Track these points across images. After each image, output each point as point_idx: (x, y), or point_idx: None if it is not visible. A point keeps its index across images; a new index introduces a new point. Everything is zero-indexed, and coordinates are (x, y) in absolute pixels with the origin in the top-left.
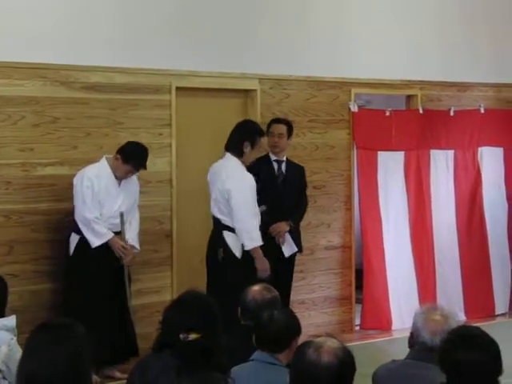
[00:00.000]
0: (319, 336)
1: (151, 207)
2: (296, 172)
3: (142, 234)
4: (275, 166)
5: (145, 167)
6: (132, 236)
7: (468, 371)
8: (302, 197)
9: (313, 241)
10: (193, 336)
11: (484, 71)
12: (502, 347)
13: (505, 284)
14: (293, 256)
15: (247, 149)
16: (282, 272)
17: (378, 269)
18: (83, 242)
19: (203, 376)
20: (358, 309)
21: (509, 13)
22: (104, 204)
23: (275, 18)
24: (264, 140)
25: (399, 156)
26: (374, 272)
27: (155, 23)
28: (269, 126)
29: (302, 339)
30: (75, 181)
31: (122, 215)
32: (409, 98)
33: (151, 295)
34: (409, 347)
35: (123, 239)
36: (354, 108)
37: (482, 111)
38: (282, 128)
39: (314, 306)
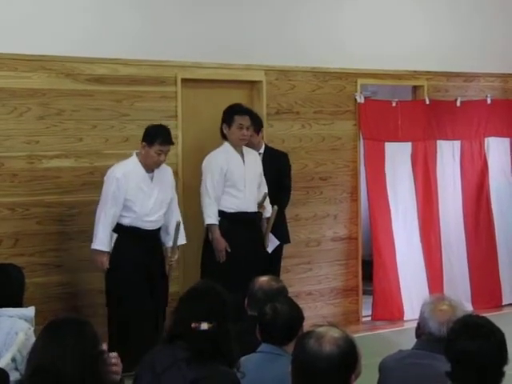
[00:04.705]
0: (321, 325)
1: None
2: (275, 162)
3: None
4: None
5: (171, 142)
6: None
7: (472, 360)
8: (282, 187)
9: (319, 232)
10: (204, 325)
11: (491, 61)
12: (509, 337)
13: None
14: (279, 247)
15: (226, 130)
16: (269, 263)
17: (388, 260)
18: (121, 239)
19: (213, 368)
20: (365, 300)
21: None
22: (135, 202)
23: (280, 8)
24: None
25: (406, 147)
26: (384, 263)
27: (160, 15)
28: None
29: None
30: (105, 178)
31: (178, 225)
32: (415, 88)
33: None
34: (416, 337)
35: (173, 248)
36: (360, 99)
37: (489, 102)
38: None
39: (321, 297)
